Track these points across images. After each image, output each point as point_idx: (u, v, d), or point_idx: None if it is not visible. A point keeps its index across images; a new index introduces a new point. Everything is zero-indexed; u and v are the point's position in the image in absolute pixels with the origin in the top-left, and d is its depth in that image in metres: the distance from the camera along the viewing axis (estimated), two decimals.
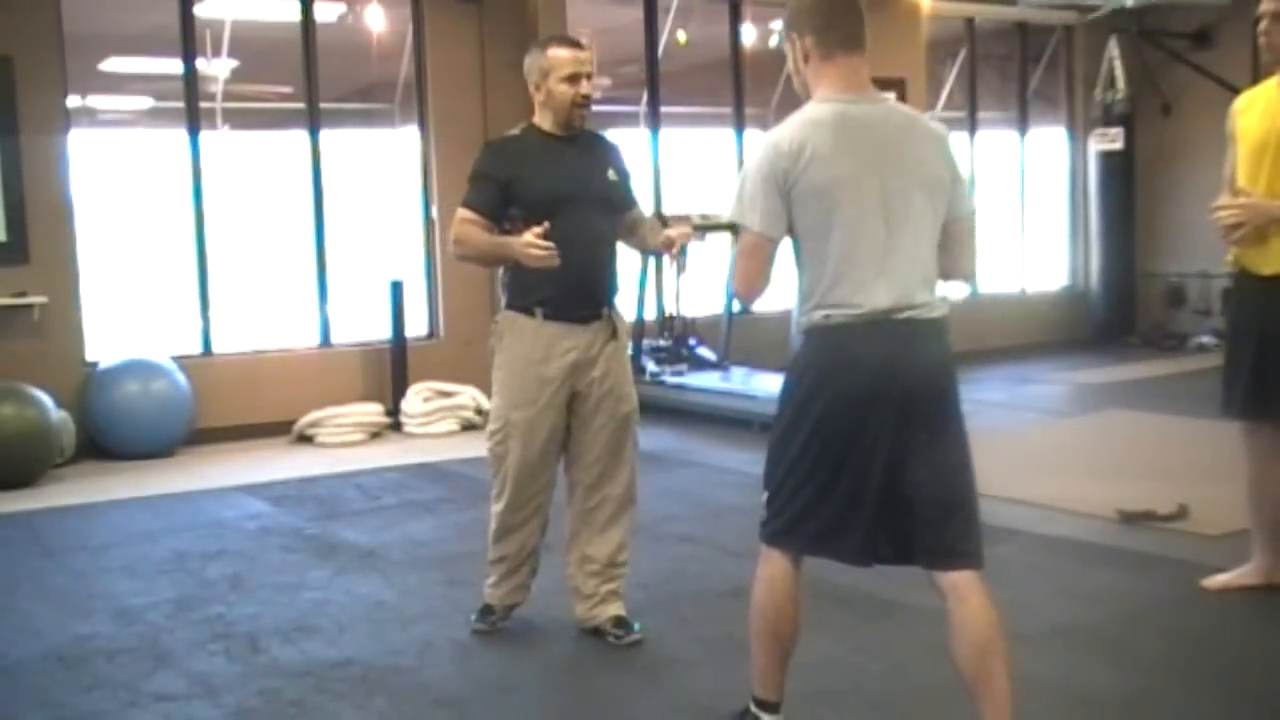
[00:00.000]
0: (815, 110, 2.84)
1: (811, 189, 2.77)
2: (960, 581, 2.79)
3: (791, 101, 3.03)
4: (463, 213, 3.87)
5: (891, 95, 2.98)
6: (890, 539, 2.83)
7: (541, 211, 3.71)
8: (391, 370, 8.21)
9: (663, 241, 3.99)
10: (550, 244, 3.64)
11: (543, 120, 3.89)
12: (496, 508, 4.02)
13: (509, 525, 4.01)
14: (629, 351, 4.06)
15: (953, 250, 2.92)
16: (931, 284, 2.86)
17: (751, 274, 2.86)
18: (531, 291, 3.81)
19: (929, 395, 2.80)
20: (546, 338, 3.82)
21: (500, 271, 3.99)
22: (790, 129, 2.82)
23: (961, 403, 2.87)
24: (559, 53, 3.81)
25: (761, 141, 2.87)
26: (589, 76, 3.83)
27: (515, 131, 3.97)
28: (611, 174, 3.93)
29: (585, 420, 3.91)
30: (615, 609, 3.98)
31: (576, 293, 3.82)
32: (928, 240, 2.85)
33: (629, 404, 3.95)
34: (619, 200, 3.97)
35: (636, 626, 3.99)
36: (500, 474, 3.97)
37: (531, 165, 3.83)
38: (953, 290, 2.96)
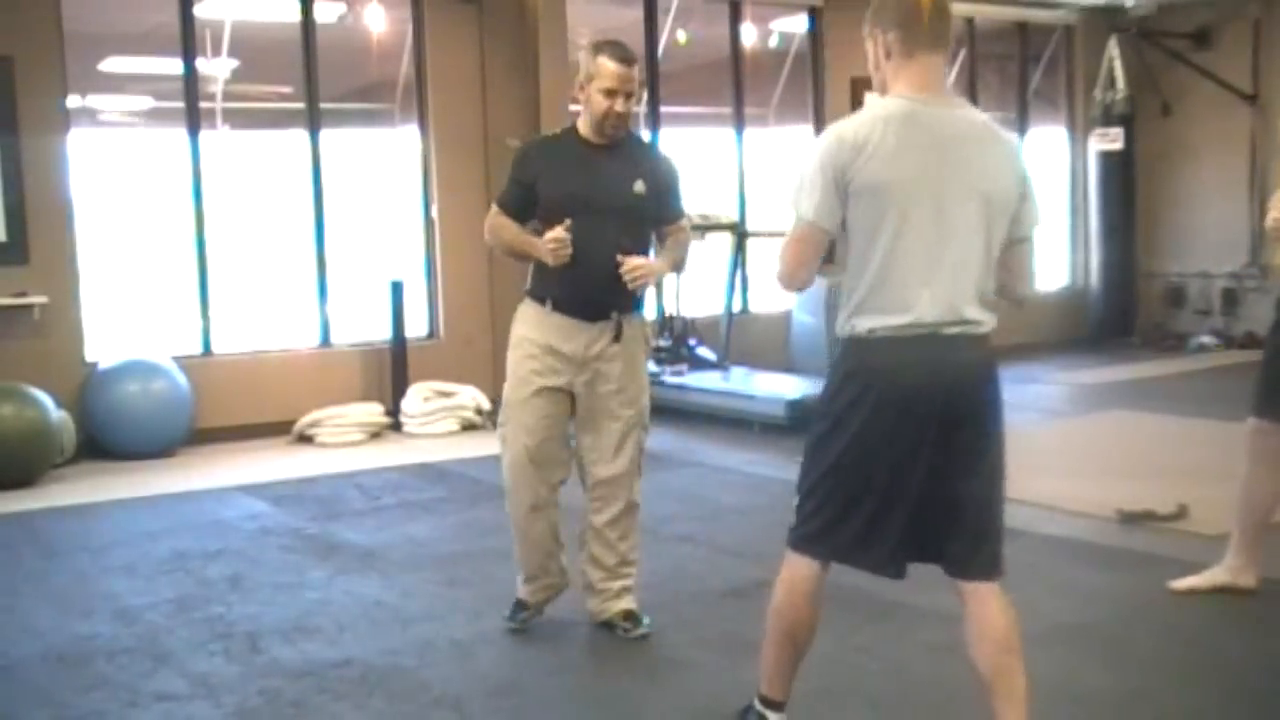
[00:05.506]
0: (885, 106, 2.77)
1: (868, 185, 2.70)
2: (982, 586, 2.81)
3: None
4: (494, 208, 3.98)
5: (966, 101, 2.91)
6: (919, 544, 2.81)
7: (556, 215, 3.77)
8: (391, 370, 8.21)
9: (625, 271, 3.78)
10: (565, 237, 3.71)
11: (582, 123, 3.88)
12: (506, 502, 4.05)
13: (516, 520, 4.01)
14: (640, 359, 4.00)
15: (1012, 268, 2.86)
16: (981, 299, 2.77)
17: (797, 262, 2.80)
18: (546, 284, 3.89)
19: (971, 411, 2.76)
20: (550, 327, 3.88)
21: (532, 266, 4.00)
22: (856, 122, 2.75)
23: (1003, 418, 2.83)
24: (606, 64, 3.76)
25: (826, 132, 2.80)
26: (629, 95, 3.78)
27: (556, 131, 4.06)
28: (640, 186, 3.85)
29: (586, 420, 3.95)
30: (625, 603, 4.02)
31: (584, 294, 3.84)
32: (981, 253, 2.76)
33: (634, 407, 3.95)
34: (647, 213, 3.92)
35: (646, 621, 4.02)
36: (503, 461, 4.01)
37: (556, 168, 3.87)
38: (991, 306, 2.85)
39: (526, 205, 3.91)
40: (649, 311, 4.30)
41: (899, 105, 2.76)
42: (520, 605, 4.13)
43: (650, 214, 3.93)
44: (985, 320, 2.79)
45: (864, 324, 2.76)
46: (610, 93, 3.75)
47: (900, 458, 2.74)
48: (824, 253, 2.81)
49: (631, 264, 3.78)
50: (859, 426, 2.75)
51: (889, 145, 2.70)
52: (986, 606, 2.79)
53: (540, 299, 3.92)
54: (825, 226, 2.75)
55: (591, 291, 3.84)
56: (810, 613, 2.92)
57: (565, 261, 3.74)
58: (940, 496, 2.76)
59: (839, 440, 2.79)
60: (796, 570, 2.92)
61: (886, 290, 2.73)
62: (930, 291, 2.71)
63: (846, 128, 2.75)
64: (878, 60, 2.85)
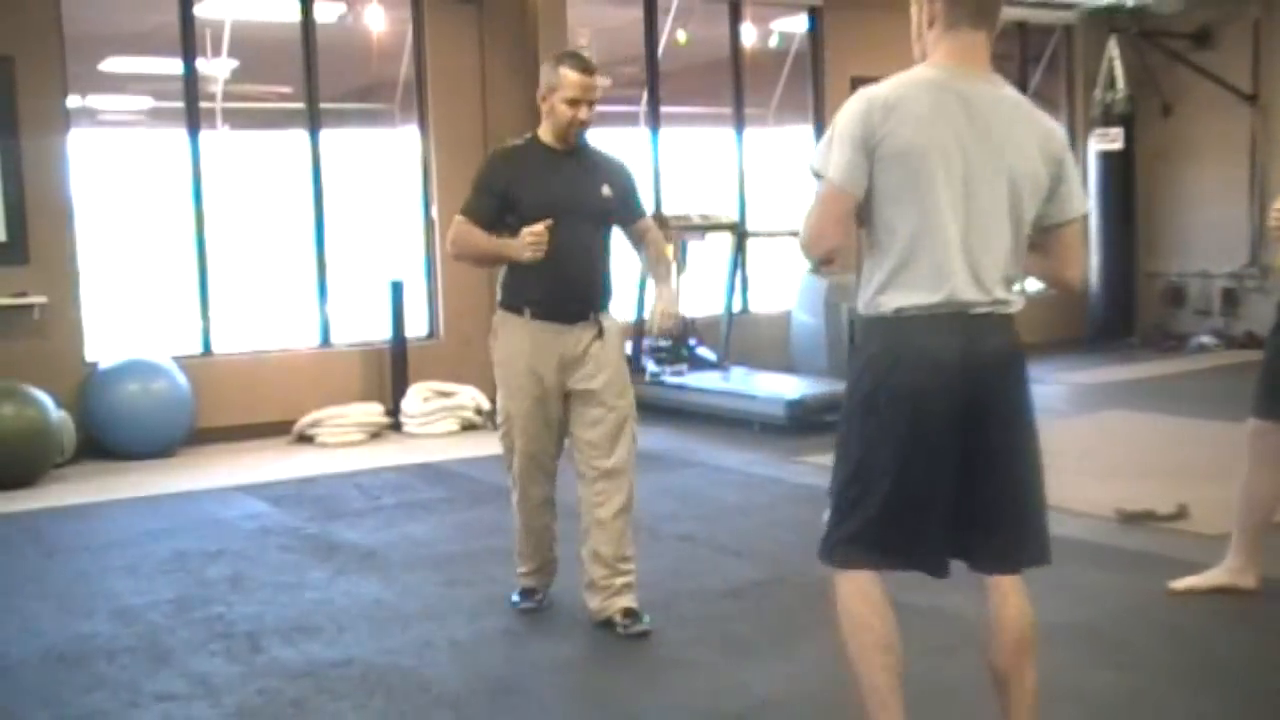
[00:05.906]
0: (920, 73, 2.66)
1: (896, 150, 2.57)
2: (1004, 580, 2.78)
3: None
4: (460, 218, 4.06)
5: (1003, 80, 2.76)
6: (954, 541, 2.72)
7: (535, 220, 3.88)
8: (391, 370, 8.21)
9: (656, 330, 4.16)
10: (542, 231, 3.82)
11: (545, 131, 4.05)
12: (513, 498, 4.23)
13: (525, 517, 4.20)
14: (622, 353, 4.19)
15: (1057, 254, 2.78)
16: (1008, 279, 2.66)
17: (821, 225, 2.63)
18: (522, 292, 4.02)
19: (999, 394, 2.66)
20: (533, 335, 4.00)
21: (501, 273, 4.14)
22: (888, 86, 2.63)
23: (1033, 401, 2.76)
24: (568, 74, 3.93)
25: (856, 94, 2.66)
26: (591, 104, 3.96)
27: (519, 141, 4.17)
28: (606, 189, 4.05)
29: (579, 418, 4.06)
30: (626, 601, 4.06)
31: (563, 297, 3.99)
32: (1007, 232, 2.63)
33: (625, 397, 4.08)
34: (615, 214, 4.11)
35: (646, 619, 4.04)
36: (509, 465, 4.17)
37: (528, 176, 4.01)
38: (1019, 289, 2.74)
39: (498, 213, 3.99)
40: (647, 311, 4.43)
41: (935, 73, 2.65)
42: (530, 591, 4.31)
43: (617, 215, 4.12)
44: (1013, 300, 2.68)
45: (891, 301, 2.62)
46: (574, 102, 3.93)
47: (932, 449, 2.62)
48: (851, 218, 2.65)
49: (658, 318, 4.05)
50: (886, 417, 2.63)
51: (921, 111, 2.58)
52: (1007, 603, 2.76)
53: (517, 309, 4.03)
54: (851, 191, 2.60)
55: (570, 294, 4.00)
56: (892, 614, 2.75)
57: (540, 257, 3.84)
58: (976, 489, 2.67)
59: (867, 434, 2.67)
60: (854, 582, 2.75)
61: (918, 264, 2.60)
62: (962, 267, 2.59)
63: (878, 90, 2.63)
64: (920, 28, 2.73)
